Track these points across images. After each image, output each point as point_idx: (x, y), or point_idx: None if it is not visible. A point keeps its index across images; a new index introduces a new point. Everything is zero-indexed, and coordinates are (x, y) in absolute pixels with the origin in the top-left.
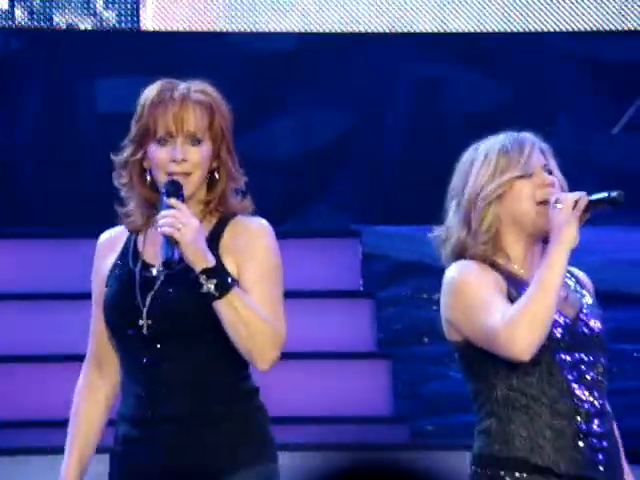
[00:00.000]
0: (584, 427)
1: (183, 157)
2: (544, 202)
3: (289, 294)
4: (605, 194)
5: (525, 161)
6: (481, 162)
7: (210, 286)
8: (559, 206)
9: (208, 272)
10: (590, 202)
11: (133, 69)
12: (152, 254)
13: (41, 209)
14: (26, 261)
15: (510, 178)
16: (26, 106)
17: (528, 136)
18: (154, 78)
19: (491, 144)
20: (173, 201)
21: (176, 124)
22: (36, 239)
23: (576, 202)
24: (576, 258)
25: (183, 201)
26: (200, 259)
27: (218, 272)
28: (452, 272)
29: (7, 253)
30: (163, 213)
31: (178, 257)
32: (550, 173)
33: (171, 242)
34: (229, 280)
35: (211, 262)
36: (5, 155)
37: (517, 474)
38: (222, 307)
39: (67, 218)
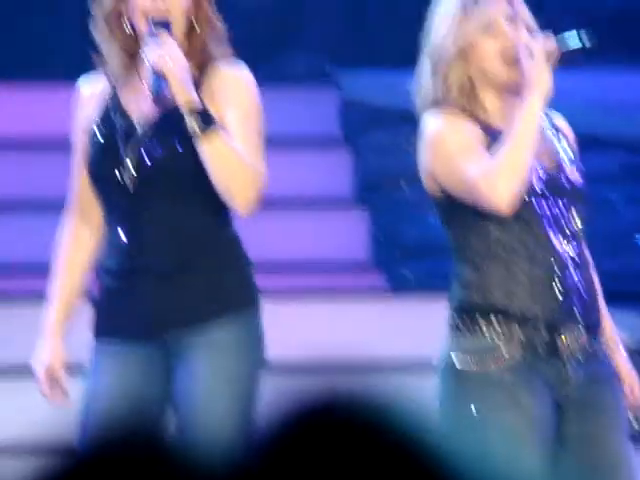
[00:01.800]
0: (561, 275)
1: None
2: (511, 60)
3: (266, 142)
4: (576, 41)
5: (481, 10)
6: (441, 16)
7: (194, 123)
8: (530, 57)
9: (193, 109)
10: (562, 53)
11: None
12: (134, 106)
13: (15, 53)
14: (2, 105)
15: (467, 32)
16: None
17: None
18: None
19: None
20: (162, 34)
21: None
22: (12, 81)
23: (547, 52)
24: (556, 102)
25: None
26: (186, 95)
27: (203, 110)
28: (430, 124)
29: None
30: (152, 46)
31: (165, 89)
32: (513, 20)
33: (159, 75)
34: (213, 119)
35: (196, 99)
36: None
37: (494, 321)
38: (204, 145)
39: (43, 63)
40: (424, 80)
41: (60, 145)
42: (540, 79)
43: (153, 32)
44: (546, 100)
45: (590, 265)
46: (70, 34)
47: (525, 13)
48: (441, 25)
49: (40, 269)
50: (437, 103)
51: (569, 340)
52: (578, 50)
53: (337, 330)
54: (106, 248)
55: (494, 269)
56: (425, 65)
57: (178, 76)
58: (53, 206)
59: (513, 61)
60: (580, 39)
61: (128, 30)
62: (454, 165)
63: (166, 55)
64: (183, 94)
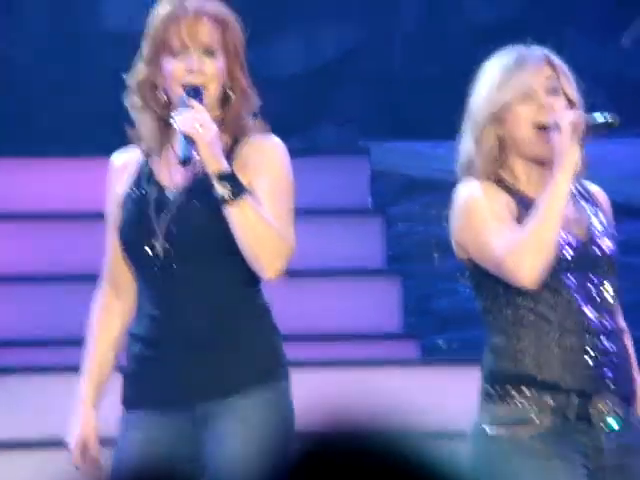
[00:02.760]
0: (592, 344)
1: (199, 67)
2: (542, 127)
3: (297, 212)
4: (602, 118)
5: (523, 80)
6: (485, 79)
7: (223, 190)
8: (558, 129)
9: (222, 176)
10: (587, 127)
11: None
12: (167, 177)
13: (46, 128)
14: (36, 181)
15: (507, 100)
16: (32, 23)
17: (536, 52)
18: None
19: (496, 60)
20: (194, 102)
21: (190, 36)
22: (45, 158)
23: (574, 126)
24: (590, 171)
25: (202, 104)
26: (216, 161)
27: (232, 177)
28: (462, 193)
29: (16, 172)
30: (183, 112)
31: (195, 156)
32: (556, 92)
33: (189, 141)
34: (242, 186)
35: (226, 166)
36: (10, 75)
37: (525, 390)
38: (233, 212)
39: (74, 138)
40: (462, 144)
41: (94, 220)
42: (569, 156)
43: (185, 98)
44: (574, 174)
45: (624, 334)
46: (104, 109)
47: (569, 85)
48: (482, 89)
49: (75, 342)
50: (471, 168)
51: (602, 409)
52: (605, 126)
53: (369, 398)
54: (137, 317)
55: (525, 337)
56: (465, 129)
57: (207, 141)
58: (88, 279)
59: (544, 131)
60: (607, 117)
61: (162, 99)
62: (482, 237)
63: (196, 120)
64: (212, 159)
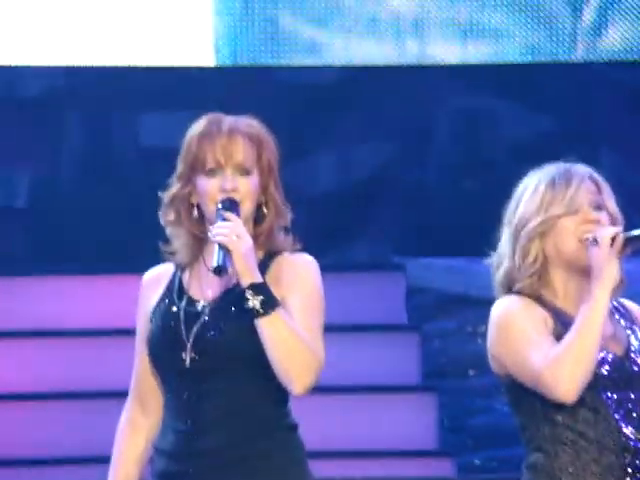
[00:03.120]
0: (632, 463)
1: (233, 187)
2: (584, 239)
3: (333, 328)
4: (639, 231)
5: (571, 196)
6: (530, 193)
7: (256, 302)
8: (596, 245)
9: (255, 288)
10: (626, 239)
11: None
12: (197, 290)
13: (84, 245)
14: (70, 297)
15: (553, 215)
16: (69, 140)
17: (580, 169)
18: (197, 113)
19: (543, 175)
20: (229, 214)
21: (225, 155)
22: (80, 275)
23: (613, 239)
24: (627, 288)
25: (238, 217)
26: (250, 272)
27: (265, 289)
28: (499, 307)
29: (51, 289)
30: (219, 224)
31: (228, 266)
32: (600, 208)
33: (224, 251)
34: (274, 298)
35: (259, 278)
36: (48, 191)
37: None
38: (265, 325)
39: (110, 254)
40: (501, 258)
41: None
42: (607, 269)
43: (221, 211)
44: (613, 289)
45: None
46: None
47: (611, 202)
48: (529, 203)
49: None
50: (510, 283)
51: None
52: None
53: None
54: (162, 431)
55: (563, 455)
56: (506, 239)
57: (242, 252)
58: (116, 395)
59: (585, 245)
60: None
61: (196, 214)
62: (520, 350)
63: (232, 231)
64: (246, 270)
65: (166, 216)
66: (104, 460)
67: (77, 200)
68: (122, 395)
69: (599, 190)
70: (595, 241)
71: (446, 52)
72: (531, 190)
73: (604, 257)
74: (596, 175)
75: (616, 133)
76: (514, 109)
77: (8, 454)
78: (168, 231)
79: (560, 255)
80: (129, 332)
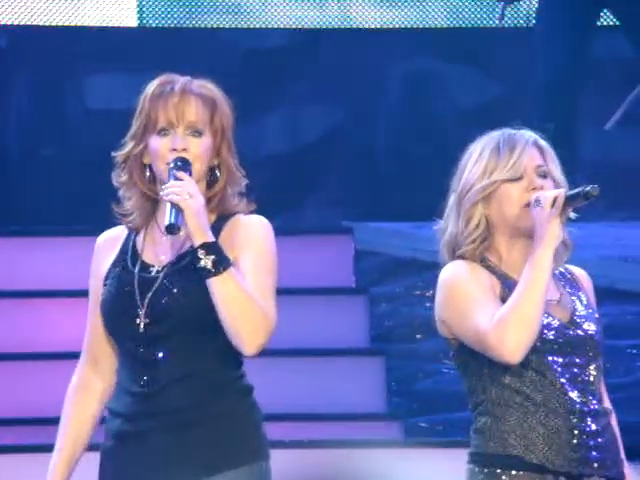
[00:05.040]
0: (578, 425)
1: (183, 146)
2: (528, 204)
3: (281, 291)
4: (580, 189)
5: (515, 162)
6: (475, 159)
7: (208, 261)
8: (539, 205)
9: (207, 247)
10: (567, 198)
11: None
12: (151, 254)
13: (31, 208)
14: (18, 259)
15: (496, 181)
16: (13, 105)
17: (525, 134)
18: (147, 74)
19: (487, 141)
20: (181, 173)
21: (177, 114)
22: (28, 237)
23: (554, 200)
24: (574, 254)
25: (190, 176)
26: (202, 232)
27: (217, 248)
28: (446, 271)
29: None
30: (171, 182)
31: (181, 224)
32: (544, 175)
33: (177, 210)
34: (226, 257)
35: (211, 237)
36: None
37: (512, 472)
38: (216, 284)
39: (58, 217)
40: (447, 224)
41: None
42: (550, 229)
43: (174, 169)
44: (558, 252)
45: (610, 416)
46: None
47: (555, 167)
48: (473, 169)
49: (49, 422)
50: (456, 248)
51: None
52: (584, 196)
53: (351, 479)
54: (116, 392)
55: (510, 418)
56: (452, 204)
57: (195, 210)
58: (66, 356)
59: (527, 208)
60: (585, 192)
61: (148, 174)
62: (466, 313)
63: (184, 190)
64: (198, 229)
65: (119, 177)
66: (52, 421)
67: (23, 163)
68: (72, 357)
69: (543, 156)
70: (538, 202)
71: (401, 15)
72: (476, 156)
73: (546, 217)
74: (542, 141)
75: None
76: (465, 74)
77: None
78: (121, 192)
79: (504, 221)
80: (79, 294)
